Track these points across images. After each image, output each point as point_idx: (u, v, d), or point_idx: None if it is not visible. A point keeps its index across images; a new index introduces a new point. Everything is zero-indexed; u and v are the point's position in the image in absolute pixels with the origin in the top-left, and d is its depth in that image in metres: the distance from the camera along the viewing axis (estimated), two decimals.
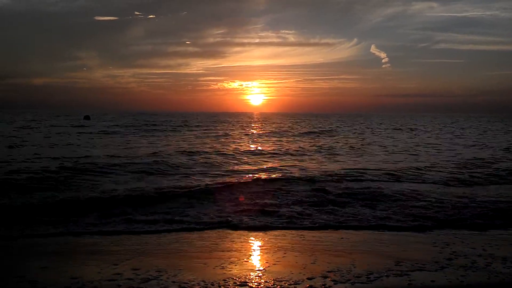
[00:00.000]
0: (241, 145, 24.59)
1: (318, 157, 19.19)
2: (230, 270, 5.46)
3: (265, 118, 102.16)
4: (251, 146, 24.60)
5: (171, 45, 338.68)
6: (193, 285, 4.97)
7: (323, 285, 5.00)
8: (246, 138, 32.02)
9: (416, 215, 8.37)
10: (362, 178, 12.94)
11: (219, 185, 11.12)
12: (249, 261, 5.94)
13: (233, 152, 20.13)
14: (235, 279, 5.14)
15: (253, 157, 18.75)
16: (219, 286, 4.94)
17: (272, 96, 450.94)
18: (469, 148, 24.17)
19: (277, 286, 4.97)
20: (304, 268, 5.56)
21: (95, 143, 24.71)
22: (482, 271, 5.50)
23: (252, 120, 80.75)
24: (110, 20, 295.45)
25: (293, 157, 19.01)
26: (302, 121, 77.50)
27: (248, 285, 5.00)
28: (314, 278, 5.18)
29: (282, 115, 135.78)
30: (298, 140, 29.49)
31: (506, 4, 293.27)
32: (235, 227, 7.57)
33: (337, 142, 28.24)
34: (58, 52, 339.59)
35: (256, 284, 5.04)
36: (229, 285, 4.98)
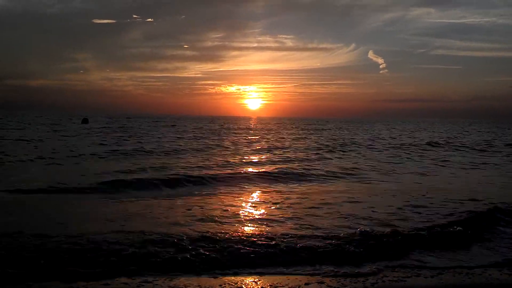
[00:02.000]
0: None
1: None
2: (225, 275, 5.46)
3: (295, 124, 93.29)
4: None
5: (169, 49, 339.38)
6: None
7: None
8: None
9: None
10: None
11: None
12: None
13: None
14: (232, 284, 5.12)
15: None
16: None
17: (270, 100, 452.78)
18: None
19: None
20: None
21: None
22: (479, 277, 5.52)
23: (297, 126, 74.33)
24: (108, 23, 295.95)
25: None
26: (339, 127, 70.91)
27: None
28: (310, 284, 5.19)
29: (290, 121, 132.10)
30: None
31: (503, 11, 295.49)
32: None
33: None
34: (56, 54, 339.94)
35: None
36: None
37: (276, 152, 23.81)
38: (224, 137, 37.90)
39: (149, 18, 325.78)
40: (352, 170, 16.15)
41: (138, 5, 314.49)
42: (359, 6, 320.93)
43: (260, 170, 15.75)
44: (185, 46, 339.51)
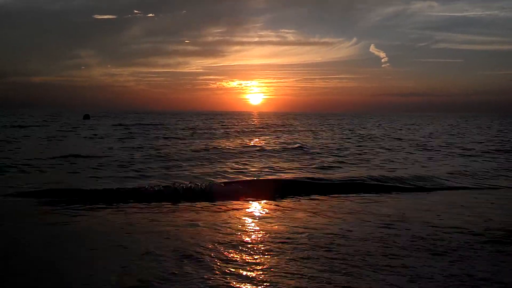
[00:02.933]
0: None
1: None
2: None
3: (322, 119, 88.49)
4: None
5: (170, 44, 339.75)
6: None
7: None
8: None
9: None
10: None
11: None
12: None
13: None
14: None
15: None
16: None
17: (271, 95, 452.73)
18: None
19: None
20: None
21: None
22: None
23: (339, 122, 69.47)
24: (109, 18, 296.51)
25: None
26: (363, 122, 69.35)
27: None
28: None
29: (296, 116, 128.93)
30: None
31: (505, 3, 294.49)
32: None
33: None
34: (57, 50, 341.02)
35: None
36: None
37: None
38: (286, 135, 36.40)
39: (150, 14, 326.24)
40: None
41: (139, 0, 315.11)
42: (360, 0, 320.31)
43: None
44: (186, 41, 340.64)
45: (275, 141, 27.87)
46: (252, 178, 12.90)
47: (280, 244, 6.47)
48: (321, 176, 13.37)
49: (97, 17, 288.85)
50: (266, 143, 25.93)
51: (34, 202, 9.36)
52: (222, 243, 6.50)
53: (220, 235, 7.00)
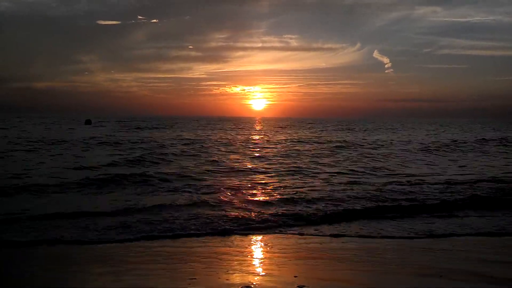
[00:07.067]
0: None
1: None
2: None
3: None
4: None
5: (173, 49, 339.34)
6: None
7: None
8: None
9: None
10: None
11: None
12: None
13: None
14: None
15: None
16: None
17: (274, 101, 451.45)
18: None
19: None
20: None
21: None
22: None
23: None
24: (112, 24, 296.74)
25: None
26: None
27: None
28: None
29: (299, 121, 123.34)
30: None
31: (510, 8, 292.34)
32: None
33: None
34: (60, 56, 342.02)
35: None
36: None
37: None
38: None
39: (153, 19, 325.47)
40: None
41: (143, 6, 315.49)
42: (364, 6, 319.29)
43: None
44: (189, 46, 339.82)
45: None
46: None
47: None
48: None
49: (101, 22, 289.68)
50: None
51: None
52: None
53: None
